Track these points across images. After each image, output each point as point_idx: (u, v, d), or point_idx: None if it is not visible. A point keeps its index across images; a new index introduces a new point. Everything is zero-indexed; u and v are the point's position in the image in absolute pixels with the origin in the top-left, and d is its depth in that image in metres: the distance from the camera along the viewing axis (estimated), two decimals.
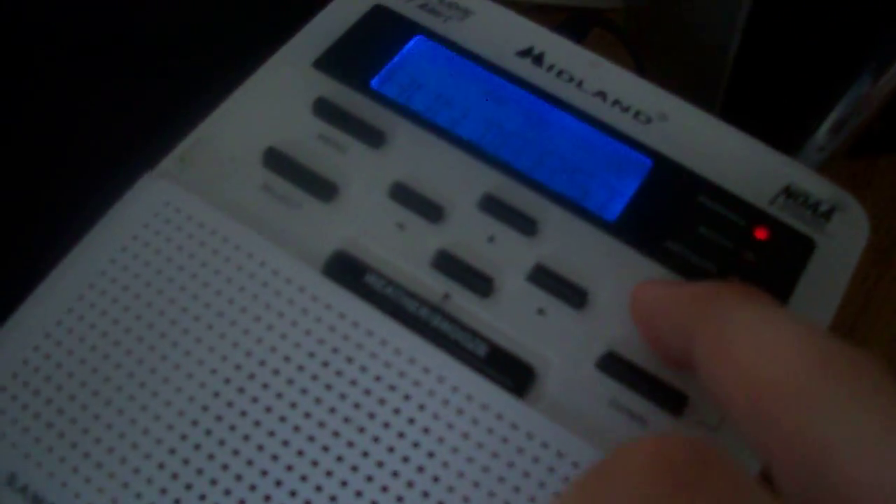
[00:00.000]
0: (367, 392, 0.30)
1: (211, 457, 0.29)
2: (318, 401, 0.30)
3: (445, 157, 0.36)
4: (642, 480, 0.22)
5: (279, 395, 0.30)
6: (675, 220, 0.35)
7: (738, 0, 0.50)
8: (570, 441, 0.30)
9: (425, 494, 0.29)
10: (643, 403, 0.31)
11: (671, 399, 0.31)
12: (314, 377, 0.30)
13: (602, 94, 0.38)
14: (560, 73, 0.38)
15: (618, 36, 0.58)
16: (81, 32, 0.46)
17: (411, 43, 0.39)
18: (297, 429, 0.30)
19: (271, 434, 0.30)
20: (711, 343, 0.27)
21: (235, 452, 0.29)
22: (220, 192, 0.34)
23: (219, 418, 0.30)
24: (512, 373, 0.31)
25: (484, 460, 0.29)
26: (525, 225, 0.34)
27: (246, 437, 0.30)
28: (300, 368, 0.31)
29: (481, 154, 0.36)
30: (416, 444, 0.29)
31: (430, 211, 0.34)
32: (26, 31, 0.46)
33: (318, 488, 0.29)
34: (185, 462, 0.29)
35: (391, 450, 0.29)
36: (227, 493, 0.29)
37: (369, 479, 0.29)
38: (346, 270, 0.33)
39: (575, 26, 0.55)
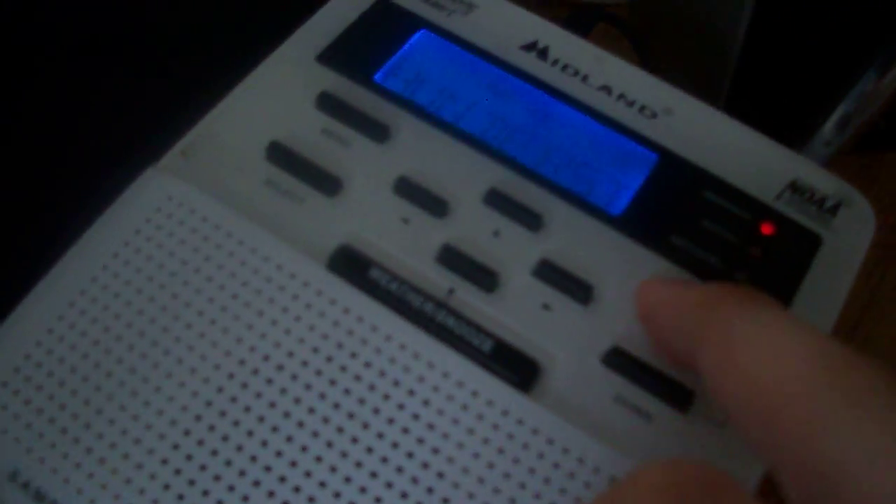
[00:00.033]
0: (372, 387, 0.30)
1: (214, 452, 0.29)
2: (322, 396, 0.30)
3: (450, 152, 0.35)
4: None
5: (283, 391, 0.30)
6: (680, 214, 0.35)
7: None
8: (575, 437, 0.30)
9: (430, 490, 0.29)
10: (649, 399, 0.31)
11: (677, 395, 0.31)
12: (318, 372, 0.30)
13: (607, 89, 0.38)
14: (565, 67, 0.38)
15: (622, 30, 0.58)
16: (81, 32, 0.46)
17: (415, 37, 0.38)
18: (300, 424, 0.30)
19: (275, 430, 0.29)
20: (716, 351, 0.27)
21: (239, 448, 0.29)
22: (224, 186, 0.34)
23: (222, 414, 0.30)
24: (517, 368, 0.31)
25: (489, 456, 0.29)
26: (530, 220, 0.34)
27: (249, 433, 0.29)
28: (304, 364, 0.31)
29: (486, 148, 0.36)
30: (420, 440, 0.29)
31: (435, 206, 0.34)
32: (26, 31, 0.46)
33: (322, 484, 0.29)
34: (189, 458, 0.29)
35: (395, 445, 0.29)
36: (231, 489, 0.29)
37: (373, 475, 0.29)
38: (351, 265, 0.33)
39: (579, 21, 0.54)
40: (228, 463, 0.29)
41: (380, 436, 0.29)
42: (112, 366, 0.31)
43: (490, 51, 0.38)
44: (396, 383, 0.30)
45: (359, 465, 0.29)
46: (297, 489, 0.29)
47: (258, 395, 0.30)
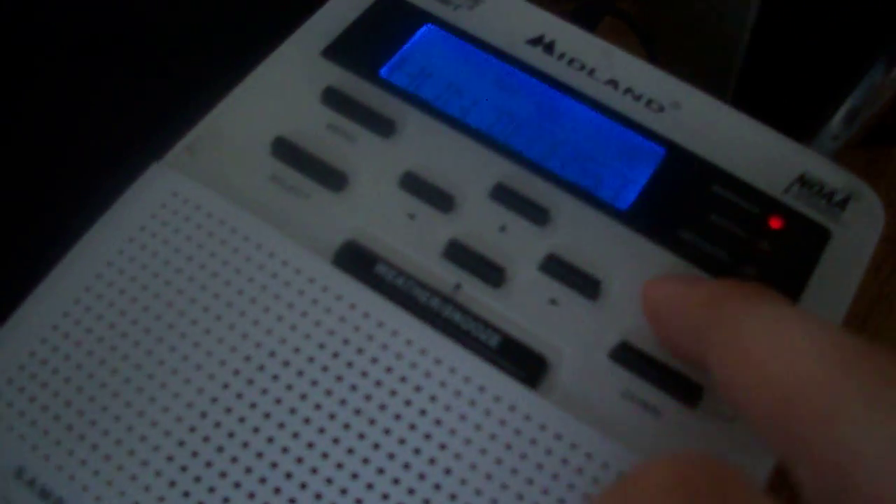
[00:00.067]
0: (378, 383, 0.30)
1: (220, 449, 0.29)
2: (328, 392, 0.30)
3: (456, 147, 0.35)
4: (657, 500, 0.22)
5: (289, 387, 0.30)
6: (688, 209, 0.35)
7: None
8: (583, 432, 0.29)
9: (437, 487, 0.28)
10: (657, 394, 0.31)
11: (686, 390, 0.31)
12: (324, 368, 0.30)
13: (614, 83, 0.37)
14: (571, 61, 0.38)
15: (629, 24, 0.58)
16: (81, 32, 0.46)
17: (421, 31, 0.38)
18: (307, 421, 0.29)
19: (281, 426, 0.29)
20: (726, 348, 0.26)
21: (244, 445, 0.29)
22: (229, 182, 0.34)
23: (227, 410, 0.30)
24: (524, 363, 0.31)
25: (497, 452, 0.29)
26: (537, 214, 0.34)
27: (256, 430, 0.29)
28: (310, 360, 0.30)
29: (492, 143, 0.35)
30: (427, 436, 0.29)
31: (441, 200, 0.34)
32: (26, 31, 0.46)
33: (329, 480, 0.29)
34: (194, 454, 0.29)
35: (402, 441, 0.29)
36: (237, 485, 0.29)
37: (380, 471, 0.29)
38: (357, 261, 0.32)
39: (586, 15, 0.54)
40: (234, 459, 0.29)
41: (386, 432, 0.29)
42: (117, 362, 0.31)
43: (496, 45, 0.38)
44: (403, 379, 0.30)
45: (366, 461, 0.29)
46: (302, 485, 0.28)
47: (263, 392, 0.30)
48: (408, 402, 0.30)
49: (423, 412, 0.30)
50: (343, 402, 0.30)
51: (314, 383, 0.30)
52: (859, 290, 0.34)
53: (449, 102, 0.36)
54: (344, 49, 0.38)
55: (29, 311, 0.32)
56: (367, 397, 0.30)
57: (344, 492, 0.28)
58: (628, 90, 0.37)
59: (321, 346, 0.31)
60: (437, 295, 0.32)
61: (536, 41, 0.38)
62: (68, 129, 0.45)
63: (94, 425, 0.30)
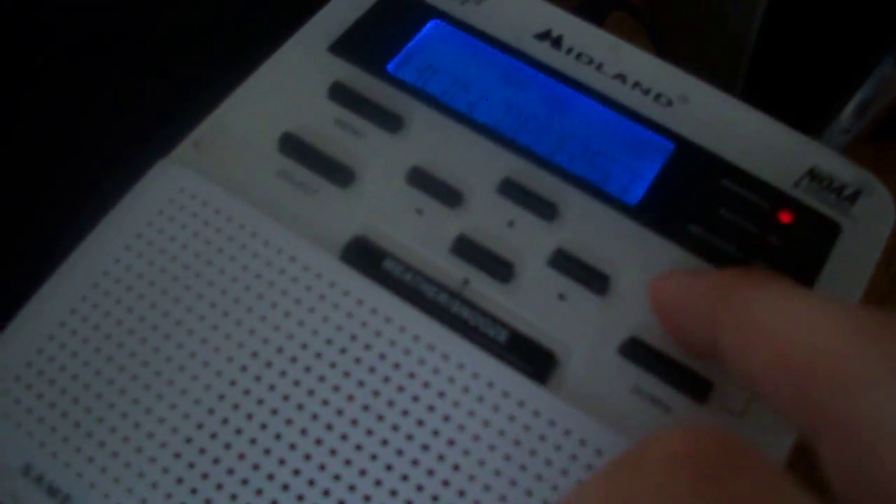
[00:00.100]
0: (386, 379, 0.30)
1: (228, 445, 0.29)
2: (336, 389, 0.30)
3: (464, 142, 0.35)
4: (667, 472, 0.21)
5: (297, 384, 0.30)
6: (697, 203, 0.34)
7: None
8: (592, 428, 0.29)
9: (445, 483, 0.28)
10: (667, 390, 0.31)
11: (695, 385, 0.31)
12: (332, 365, 0.30)
13: (622, 77, 0.37)
14: (579, 55, 0.38)
15: (636, 18, 0.58)
16: (81, 32, 0.46)
17: (428, 26, 0.38)
18: (315, 417, 0.29)
19: (289, 423, 0.29)
20: (739, 329, 0.26)
21: (252, 441, 0.29)
22: (236, 178, 0.34)
23: (235, 407, 0.30)
24: (533, 359, 0.31)
25: (505, 448, 0.29)
26: (545, 209, 0.34)
27: (263, 426, 0.29)
28: (318, 356, 0.30)
29: (500, 138, 0.35)
30: (435, 432, 0.29)
31: (449, 196, 0.34)
32: (26, 31, 0.46)
33: (337, 477, 0.28)
34: (202, 451, 0.29)
35: (410, 438, 0.29)
36: (245, 482, 0.28)
37: (388, 467, 0.29)
38: (364, 256, 0.32)
39: (594, 9, 0.54)
40: (242, 456, 0.29)
41: (395, 428, 0.29)
42: (124, 359, 0.30)
43: (503, 40, 0.38)
44: (411, 375, 0.30)
45: (374, 457, 0.29)
46: (311, 482, 0.28)
47: (271, 388, 0.30)
48: (416, 398, 0.30)
49: (431, 408, 0.29)
50: (351, 398, 0.30)
51: (322, 379, 0.30)
52: (869, 284, 0.34)
53: (456, 97, 0.36)
54: (351, 44, 0.37)
55: (36, 308, 0.32)
56: (375, 393, 0.30)
57: (352, 488, 0.28)
58: (636, 84, 0.37)
59: (329, 342, 0.30)
60: (445, 290, 0.32)
61: (544, 36, 0.38)
62: (69, 130, 0.45)
63: (101, 422, 0.30)
